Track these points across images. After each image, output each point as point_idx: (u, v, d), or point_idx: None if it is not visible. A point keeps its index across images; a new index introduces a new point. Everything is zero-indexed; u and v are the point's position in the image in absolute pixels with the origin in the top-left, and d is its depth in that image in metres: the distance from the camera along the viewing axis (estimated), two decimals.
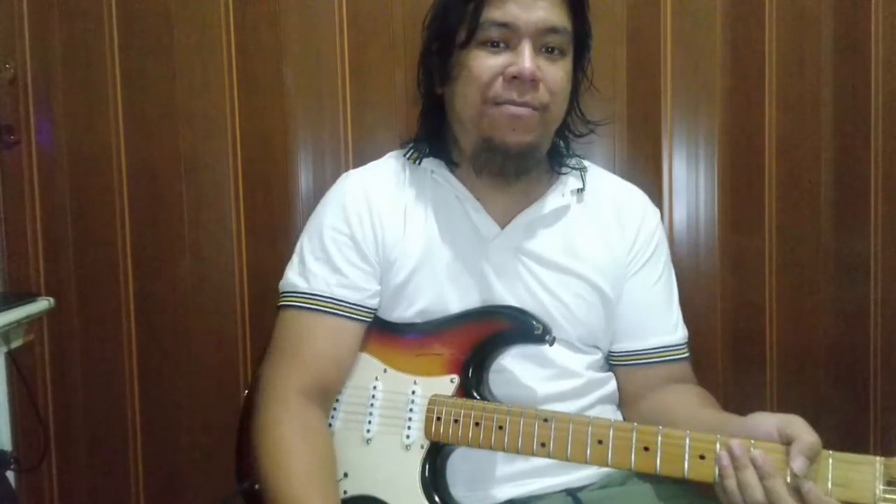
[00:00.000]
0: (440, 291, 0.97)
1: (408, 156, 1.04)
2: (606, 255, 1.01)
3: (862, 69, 1.44)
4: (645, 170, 1.48)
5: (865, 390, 1.49)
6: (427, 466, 0.91)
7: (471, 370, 0.93)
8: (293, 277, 1.00)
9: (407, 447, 0.92)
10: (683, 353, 1.04)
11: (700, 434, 0.78)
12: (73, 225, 1.51)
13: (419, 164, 1.02)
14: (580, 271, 0.99)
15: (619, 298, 1.02)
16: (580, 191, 1.03)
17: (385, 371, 0.97)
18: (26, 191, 1.48)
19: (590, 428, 0.82)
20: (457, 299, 0.97)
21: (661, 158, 1.49)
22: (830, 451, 0.75)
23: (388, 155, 1.09)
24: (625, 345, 1.03)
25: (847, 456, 0.75)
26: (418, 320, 0.98)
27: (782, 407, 1.47)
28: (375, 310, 1.00)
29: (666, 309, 1.04)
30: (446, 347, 0.95)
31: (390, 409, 0.95)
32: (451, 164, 1.01)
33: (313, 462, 0.88)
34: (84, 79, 1.48)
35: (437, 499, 0.90)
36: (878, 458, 0.73)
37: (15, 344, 1.46)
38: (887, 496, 0.71)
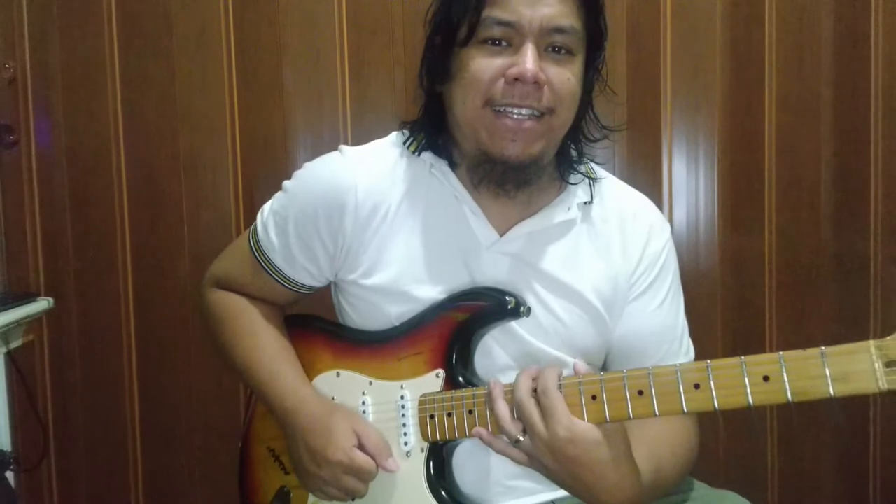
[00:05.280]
0: (421, 297, 0.92)
1: (407, 144, 0.97)
2: (606, 277, 0.95)
3: (862, 69, 1.44)
4: (645, 170, 1.48)
5: None
6: (432, 469, 0.89)
7: (454, 359, 0.90)
8: (261, 227, 0.99)
9: (407, 454, 0.90)
10: None
11: (690, 365, 0.76)
12: (72, 225, 1.50)
13: (418, 154, 0.96)
14: (578, 290, 0.93)
15: (617, 321, 0.96)
16: (587, 204, 0.96)
17: (371, 384, 0.94)
18: (26, 191, 1.48)
19: (580, 386, 0.79)
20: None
21: (661, 158, 1.49)
22: (822, 348, 0.72)
23: (391, 136, 1.01)
24: (625, 367, 0.96)
25: (838, 348, 0.72)
26: (397, 324, 0.94)
27: (781, 408, 1.47)
28: (314, 288, 1.01)
29: (670, 332, 0.98)
30: (424, 344, 0.91)
31: (384, 421, 0.92)
32: (452, 164, 0.95)
33: (241, 304, 1.02)
34: (84, 79, 1.48)
35: (446, 497, 0.88)
36: (870, 342, 0.70)
37: (15, 344, 1.46)
38: (890, 377, 0.68)
